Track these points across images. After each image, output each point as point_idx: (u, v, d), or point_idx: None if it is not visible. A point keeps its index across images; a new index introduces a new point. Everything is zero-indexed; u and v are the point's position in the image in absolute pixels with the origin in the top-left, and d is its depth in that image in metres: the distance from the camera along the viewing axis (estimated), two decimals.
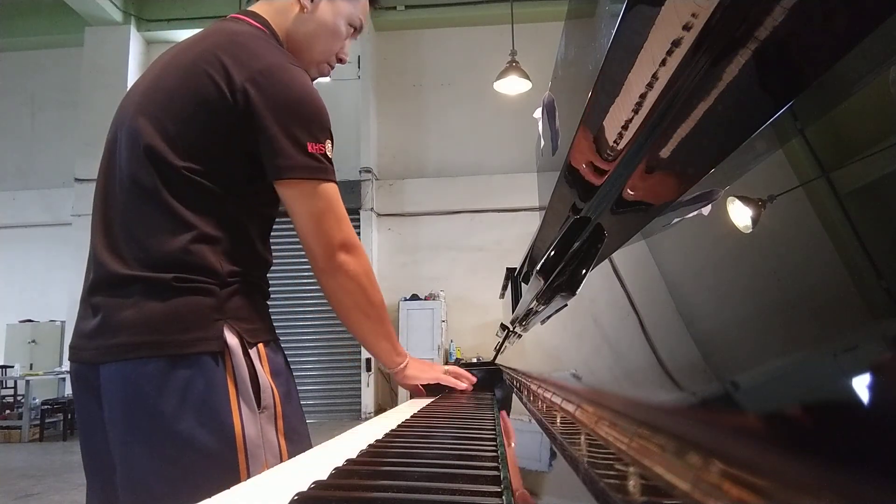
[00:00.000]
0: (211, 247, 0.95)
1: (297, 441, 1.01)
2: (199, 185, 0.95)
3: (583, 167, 0.63)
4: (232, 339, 0.94)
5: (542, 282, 0.67)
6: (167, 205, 0.94)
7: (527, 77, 6.10)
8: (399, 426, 0.75)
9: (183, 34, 7.12)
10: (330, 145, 1.03)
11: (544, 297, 0.77)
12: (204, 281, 0.94)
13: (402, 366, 1.22)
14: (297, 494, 0.39)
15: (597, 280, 0.56)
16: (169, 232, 0.94)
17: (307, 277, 7.40)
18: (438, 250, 7.71)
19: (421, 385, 1.35)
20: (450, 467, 0.47)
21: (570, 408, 0.51)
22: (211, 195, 0.96)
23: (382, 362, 1.20)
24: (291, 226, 1.04)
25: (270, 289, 1.11)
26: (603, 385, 0.47)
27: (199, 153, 0.95)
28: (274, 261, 1.14)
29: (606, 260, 0.53)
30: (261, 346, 0.99)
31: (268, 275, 1.13)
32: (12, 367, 7.34)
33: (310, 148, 0.98)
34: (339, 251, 1.02)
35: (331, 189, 1.01)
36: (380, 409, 7.21)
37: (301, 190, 0.99)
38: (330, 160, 1.02)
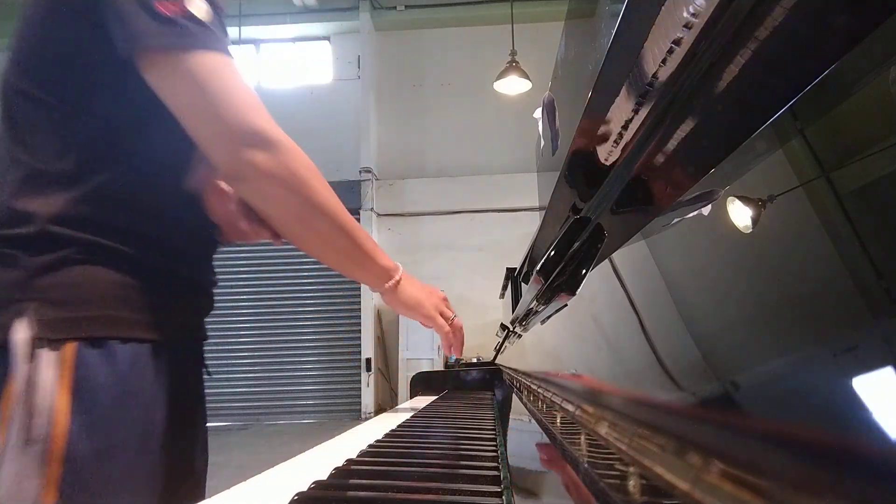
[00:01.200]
0: (40, 187, 0.69)
1: None
2: (42, 106, 0.71)
3: (583, 167, 0.63)
4: (20, 332, 0.65)
5: (542, 282, 0.67)
6: (5, 141, 0.73)
7: (527, 77, 6.10)
8: (399, 426, 0.75)
9: None
10: (202, 4, 0.70)
11: (544, 297, 0.77)
12: (9, 241, 0.68)
13: (391, 283, 0.92)
14: (297, 494, 0.39)
15: (597, 280, 0.56)
16: (2, 175, 0.72)
17: (307, 276, 7.40)
18: (438, 250, 7.71)
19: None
20: (450, 467, 0.47)
21: (570, 408, 0.51)
22: (57, 116, 0.71)
23: (363, 283, 0.94)
24: None
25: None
26: (603, 385, 0.47)
27: (44, 66, 0.72)
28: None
29: (606, 260, 0.53)
30: (70, 345, 0.66)
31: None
32: None
33: (158, 6, 0.67)
34: (241, 147, 0.71)
35: (209, 61, 0.69)
36: (380, 409, 7.20)
37: (161, 67, 0.68)
38: (201, 22, 0.69)
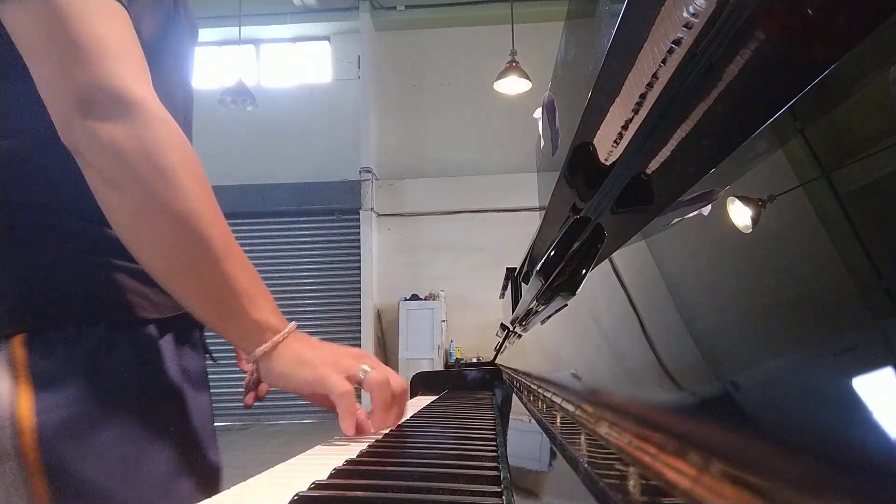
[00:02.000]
0: None
1: None
2: None
3: (583, 167, 0.63)
4: None
5: (542, 282, 0.67)
6: None
7: (527, 77, 6.10)
8: (399, 426, 0.75)
9: None
10: None
11: (544, 297, 0.77)
12: None
13: (265, 347, 0.62)
14: (296, 495, 0.39)
15: (597, 280, 0.56)
16: None
17: (307, 276, 7.41)
18: (438, 250, 7.71)
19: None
20: (450, 467, 0.47)
21: (570, 408, 0.51)
22: None
23: (228, 339, 0.63)
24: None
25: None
26: (603, 385, 0.47)
27: None
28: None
29: (606, 260, 0.53)
30: (17, 340, 0.57)
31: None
32: None
33: None
34: (79, 108, 0.53)
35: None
36: None
37: (13, 3, 0.53)
38: None
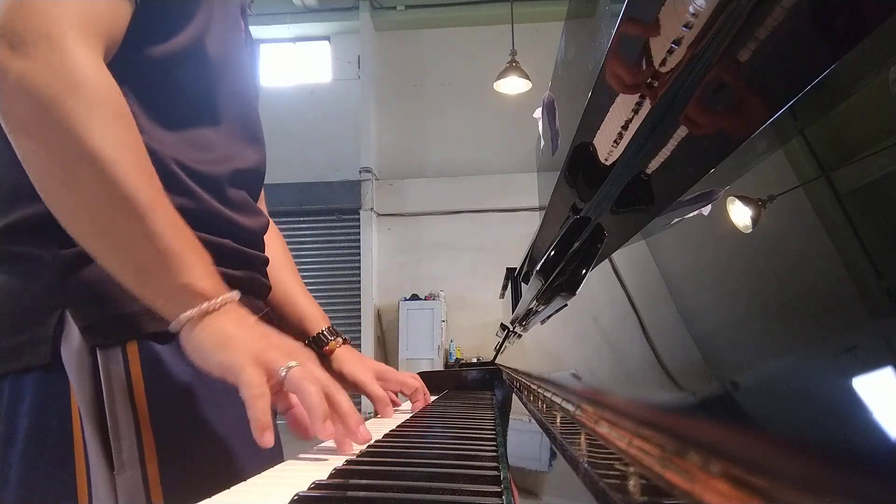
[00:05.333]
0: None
1: None
2: None
3: (583, 167, 0.63)
4: (72, 339, 0.57)
5: (542, 282, 0.67)
6: None
7: (527, 77, 6.10)
8: (399, 426, 0.75)
9: None
10: None
11: (544, 297, 0.77)
12: (29, 237, 0.58)
13: (191, 312, 0.54)
14: (296, 495, 0.39)
15: (597, 280, 0.56)
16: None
17: (307, 275, 7.40)
18: (438, 250, 7.70)
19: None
20: (450, 467, 0.47)
21: (570, 408, 0.51)
22: None
23: (152, 304, 0.55)
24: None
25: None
26: (603, 385, 0.47)
27: None
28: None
29: (606, 260, 0.53)
30: (133, 346, 0.58)
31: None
32: None
33: None
34: None
35: None
36: None
37: None
38: None
